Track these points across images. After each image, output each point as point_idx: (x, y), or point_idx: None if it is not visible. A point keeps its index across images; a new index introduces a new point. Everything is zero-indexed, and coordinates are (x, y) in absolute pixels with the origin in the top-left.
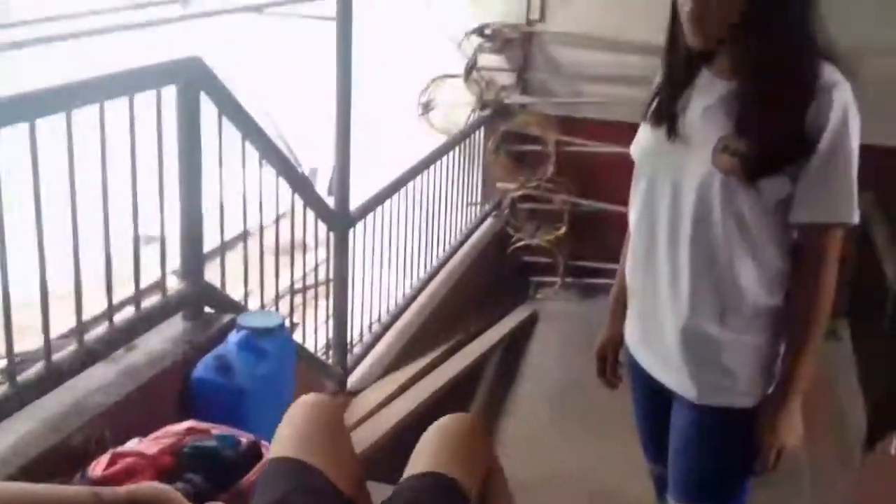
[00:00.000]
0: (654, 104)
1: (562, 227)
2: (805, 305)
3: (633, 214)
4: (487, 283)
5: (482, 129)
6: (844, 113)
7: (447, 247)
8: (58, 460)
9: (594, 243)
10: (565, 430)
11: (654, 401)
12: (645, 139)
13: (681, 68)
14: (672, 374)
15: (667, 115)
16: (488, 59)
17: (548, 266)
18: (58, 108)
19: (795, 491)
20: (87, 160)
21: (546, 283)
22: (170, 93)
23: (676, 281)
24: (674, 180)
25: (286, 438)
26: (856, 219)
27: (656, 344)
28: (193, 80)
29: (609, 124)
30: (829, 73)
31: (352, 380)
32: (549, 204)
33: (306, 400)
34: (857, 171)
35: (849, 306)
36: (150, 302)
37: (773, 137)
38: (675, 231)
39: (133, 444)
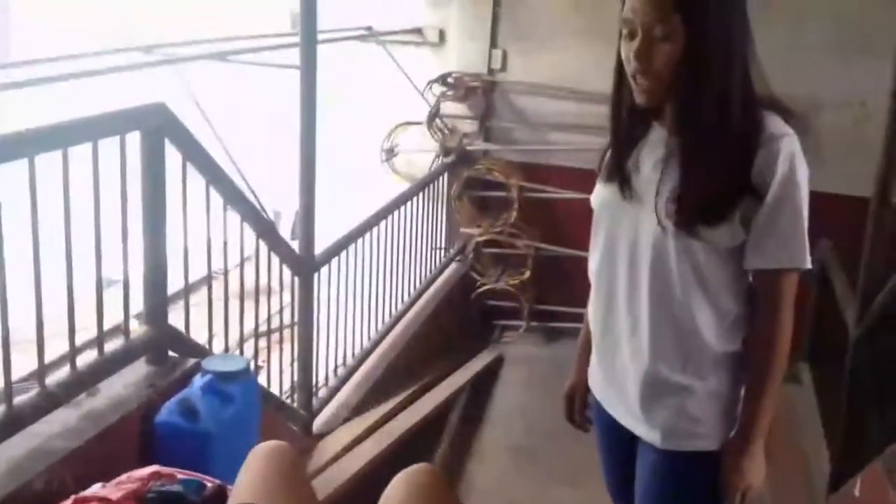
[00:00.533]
0: (606, 162)
1: (526, 271)
2: (763, 350)
3: (593, 264)
4: (452, 327)
5: (445, 175)
6: (791, 162)
7: (412, 291)
8: None
9: (558, 287)
10: (531, 475)
11: (619, 444)
12: (602, 193)
13: (627, 129)
14: (635, 419)
15: (618, 173)
16: (451, 107)
17: (512, 310)
18: (21, 153)
19: None
20: (51, 204)
21: (511, 326)
22: (134, 138)
23: (637, 330)
24: (631, 233)
25: (245, 485)
26: (808, 263)
27: (619, 390)
28: (158, 126)
29: (571, 171)
30: (776, 124)
31: (317, 423)
32: (513, 249)
33: (264, 447)
34: (807, 217)
35: (810, 351)
36: (112, 346)
37: (712, 188)
38: (633, 282)
39: (96, 490)
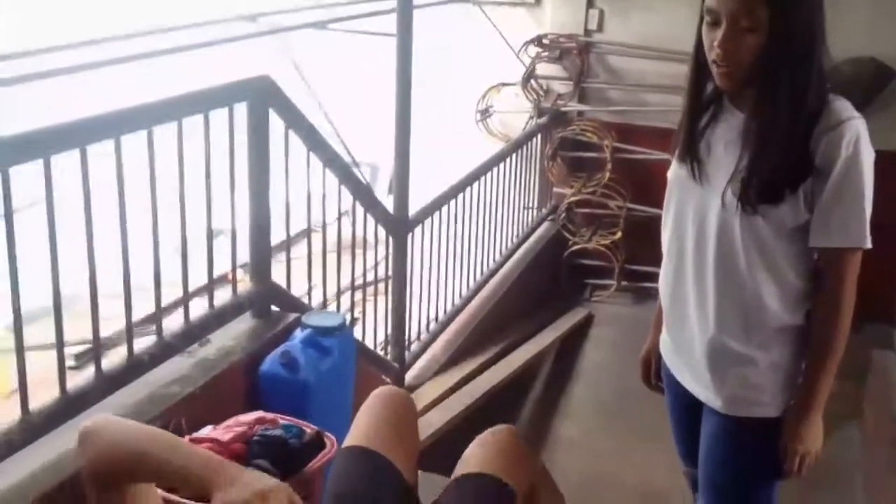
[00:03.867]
0: (680, 142)
1: (617, 231)
2: (825, 324)
3: (665, 234)
4: (543, 286)
5: (539, 135)
6: (855, 146)
7: (504, 249)
8: None
9: (649, 248)
10: (614, 430)
11: (686, 407)
12: (674, 170)
13: (701, 113)
14: (700, 385)
15: (689, 155)
16: (546, 68)
17: (603, 269)
18: (141, 125)
19: (848, 495)
20: (168, 169)
21: (601, 286)
22: (242, 109)
23: (703, 301)
24: (699, 210)
25: (364, 428)
26: (867, 243)
27: (686, 356)
28: (262, 96)
29: (664, 131)
30: (842, 107)
31: (409, 376)
32: (605, 209)
33: (387, 393)
34: (870, 198)
35: None
36: (221, 300)
37: (778, 170)
38: (701, 256)
39: (207, 431)
